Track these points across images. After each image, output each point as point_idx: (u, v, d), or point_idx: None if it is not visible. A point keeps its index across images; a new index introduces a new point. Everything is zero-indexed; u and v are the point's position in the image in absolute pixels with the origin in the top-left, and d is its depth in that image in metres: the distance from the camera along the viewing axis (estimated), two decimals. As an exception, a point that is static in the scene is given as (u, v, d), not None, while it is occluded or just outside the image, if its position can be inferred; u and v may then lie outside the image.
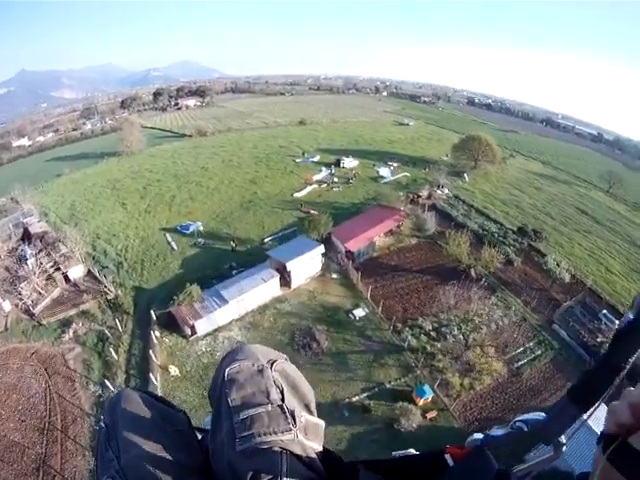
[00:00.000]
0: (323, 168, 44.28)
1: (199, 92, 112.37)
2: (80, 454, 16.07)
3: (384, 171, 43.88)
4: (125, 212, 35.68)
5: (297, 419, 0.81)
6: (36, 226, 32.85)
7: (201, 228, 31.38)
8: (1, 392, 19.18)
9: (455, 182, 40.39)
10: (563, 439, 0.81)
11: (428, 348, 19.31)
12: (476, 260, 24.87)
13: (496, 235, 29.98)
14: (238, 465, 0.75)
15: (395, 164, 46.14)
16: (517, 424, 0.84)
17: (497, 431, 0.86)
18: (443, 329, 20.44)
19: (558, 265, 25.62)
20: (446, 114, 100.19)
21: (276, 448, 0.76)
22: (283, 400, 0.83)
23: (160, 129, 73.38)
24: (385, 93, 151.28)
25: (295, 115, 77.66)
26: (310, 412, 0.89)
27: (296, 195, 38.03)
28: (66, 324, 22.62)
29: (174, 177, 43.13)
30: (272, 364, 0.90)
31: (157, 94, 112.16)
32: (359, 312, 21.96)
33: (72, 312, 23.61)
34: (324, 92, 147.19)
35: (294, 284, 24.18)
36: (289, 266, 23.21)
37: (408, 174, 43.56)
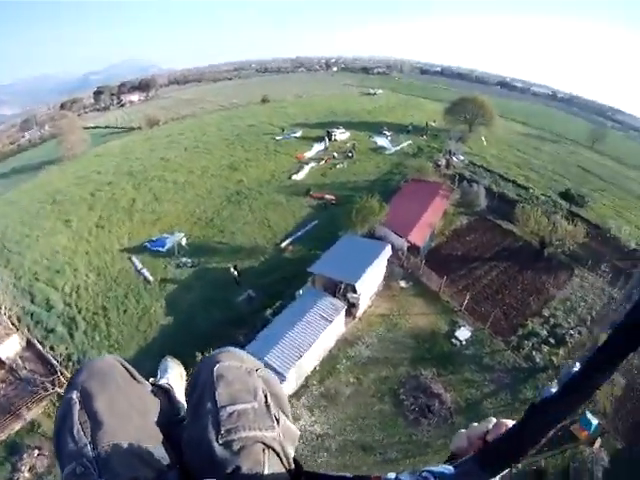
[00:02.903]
0: (314, 144, 38.07)
1: (142, 86, 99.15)
2: None
3: (382, 141, 39.63)
4: (70, 231, 26.14)
5: (280, 420, 0.84)
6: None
7: (184, 241, 22.83)
8: None
9: (461, 148, 37.02)
10: None
11: (555, 361, 14.97)
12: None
13: (543, 203, 26.31)
14: (220, 457, 0.75)
15: (388, 133, 42.32)
16: (424, 474, 0.76)
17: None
18: (557, 330, 16.42)
19: (620, 231, 22.67)
20: (406, 83, 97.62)
21: (259, 444, 0.77)
22: (267, 401, 0.85)
23: (104, 127, 61.21)
24: (335, 69, 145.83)
25: (251, 95, 69.32)
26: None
27: (295, 178, 31.65)
28: (15, 452, 13.65)
29: (129, 175, 33.84)
30: (256, 370, 0.91)
31: (98, 93, 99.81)
32: (463, 333, 16.00)
33: (17, 426, 14.63)
34: (271, 73, 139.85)
35: (360, 311, 16.89)
36: (359, 287, 15.47)
37: (411, 142, 39.44)
